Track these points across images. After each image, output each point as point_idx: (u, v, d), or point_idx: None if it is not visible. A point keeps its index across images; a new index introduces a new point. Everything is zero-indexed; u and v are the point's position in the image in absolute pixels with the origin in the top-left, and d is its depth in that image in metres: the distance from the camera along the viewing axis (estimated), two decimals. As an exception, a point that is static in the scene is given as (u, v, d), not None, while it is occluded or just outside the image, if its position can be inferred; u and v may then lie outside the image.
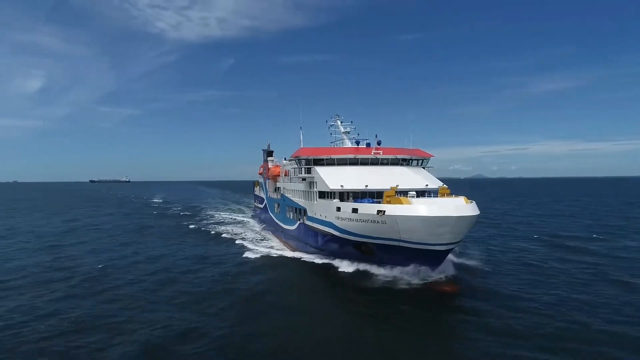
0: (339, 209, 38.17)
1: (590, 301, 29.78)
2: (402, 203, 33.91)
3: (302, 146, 53.34)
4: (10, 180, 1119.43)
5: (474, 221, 34.26)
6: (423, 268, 34.66)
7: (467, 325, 26.08)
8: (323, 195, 42.29)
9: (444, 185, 39.58)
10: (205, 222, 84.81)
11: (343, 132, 53.28)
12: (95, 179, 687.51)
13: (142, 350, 22.18)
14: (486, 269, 39.54)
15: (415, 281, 34.01)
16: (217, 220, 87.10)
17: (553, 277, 36.71)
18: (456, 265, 38.61)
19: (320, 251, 44.12)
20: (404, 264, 35.51)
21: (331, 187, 40.42)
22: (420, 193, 39.49)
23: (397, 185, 39.72)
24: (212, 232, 67.62)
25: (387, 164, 46.29)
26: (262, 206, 76.80)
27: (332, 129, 54.57)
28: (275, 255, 47.70)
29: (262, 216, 75.40)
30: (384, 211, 33.63)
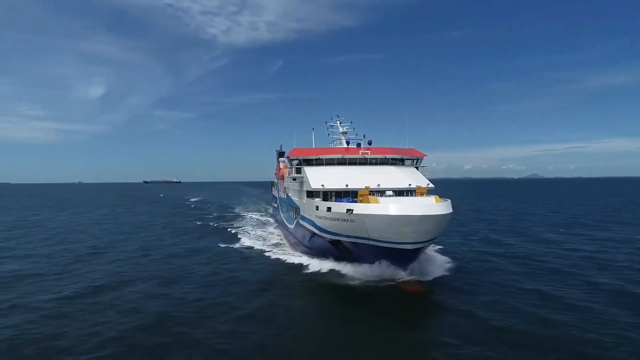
0: (317, 207, 39.12)
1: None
2: (370, 202, 34.30)
3: (313, 146, 54.74)
4: (76, 181, 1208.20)
5: (444, 220, 33.79)
6: (393, 267, 34.77)
7: (426, 325, 26.19)
8: (310, 194, 43.30)
9: (422, 185, 39.44)
10: (223, 220, 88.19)
11: (341, 133, 53.94)
12: (149, 180, 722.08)
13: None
14: (468, 269, 38.93)
15: (385, 280, 34.15)
16: (237, 219, 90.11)
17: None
18: (440, 266, 38.33)
19: (308, 249, 45.09)
20: (376, 262, 35.78)
21: (313, 187, 41.38)
22: (400, 192, 39.48)
23: (379, 185, 40.25)
24: (220, 229, 70.32)
25: (376, 163, 46.47)
26: (276, 206, 78.88)
27: (331, 129, 55.35)
28: (264, 254, 48.62)
29: (277, 216, 77.36)
30: (352, 210, 34.14)
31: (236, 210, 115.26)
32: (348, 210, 34.38)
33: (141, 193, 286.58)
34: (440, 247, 49.00)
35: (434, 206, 33.12)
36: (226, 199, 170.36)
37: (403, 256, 33.88)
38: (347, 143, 49.16)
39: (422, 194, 37.68)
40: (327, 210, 37.15)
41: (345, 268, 37.72)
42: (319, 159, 46.13)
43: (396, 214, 31.76)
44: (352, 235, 35.72)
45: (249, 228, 73.39)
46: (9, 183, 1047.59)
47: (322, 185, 40.97)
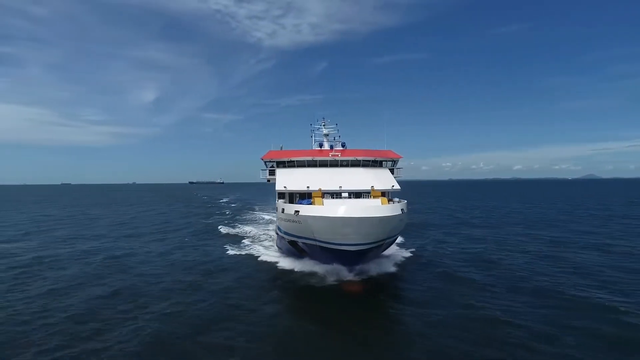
0: (276, 209, 40.49)
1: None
2: (315, 204, 35.10)
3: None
4: (130, 182, 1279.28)
5: (389, 222, 33.75)
6: (339, 267, 35.33)
7: (352, 324, 26.30)
8: (281, 196, 44.62)
9: (384, 187, 40.00)
10: (238, 219, 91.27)
11: (324, 134, 54.69)
12: (194, 181, 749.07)
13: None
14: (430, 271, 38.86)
15: (331, 280, 34.83)
16: (250, 220, 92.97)
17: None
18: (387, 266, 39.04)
19: (280, 249, 46.41)
20: (327, 262, 36.48)
21: (276, 188, 42.71)
22: (358, 194, 39.88)
23: (340, 186, 40.99)
24: (225, 231, 72.96)
25: (347, 165, 46.98)
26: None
27: (315, 132, 56.12)
28: (240, 252, 49.79)
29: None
30: (299, 211, 35.05)
31: (256, 209, 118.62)
32: (295, 211, 35.35)
33: (183, 193, 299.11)
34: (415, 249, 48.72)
35: (377, 208, 33.31)
36: (255, 199, 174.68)
37: (347, 258, 34.35)
38: (320, 145, 50.03)
39: (375, 197, 37.94)
40: (282, 212, 38.34)
41: (305, 267, 38.74)
42: (291, 161, 47.29)
43: (334, 216, 32.28)
44: (302, 236, 36.65)
45: (249, 228, 75.20)
46: (70, 184, 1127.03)
47: (285, 187, 42.16)
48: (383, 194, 41.73)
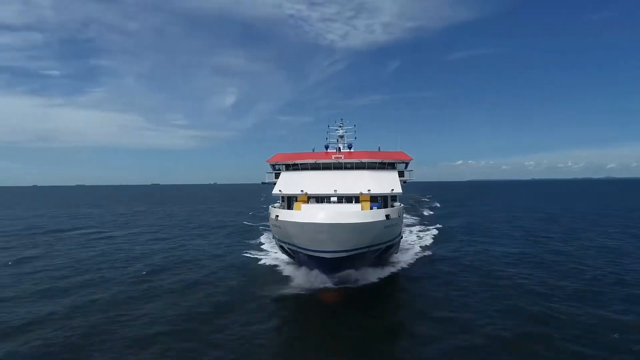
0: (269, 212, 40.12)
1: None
2: (297, 209, 34.22)
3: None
4: (211, 182, 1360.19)
5: (369, 229, 31.82)
6: (320, 274, 34.03)
7: (322, 333, 25.92)
8: (279, 199, 44.52)
9: (365, 192, 37.69)
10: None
11: (338, 136, 53.40)
12: (266, 181, 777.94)
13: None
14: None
15: (309, 286, 33.68)
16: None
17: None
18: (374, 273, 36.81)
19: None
20: (310, 268, 35.43)
21: (273, 192, 42.38)
22: (349, 199, 38.25)
23: (335, 190, 39.80)
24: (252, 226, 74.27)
25: (351, 168, 45.31)
26: None
27: (330, 133, 55.03)
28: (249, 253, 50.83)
29: None
30: (278, 216, 34.38)
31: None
32: (276, 216, 34.75)
33: (254, 192, 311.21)
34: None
35: (353, 214, 31.65)
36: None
37: (325, 264, 32.98)
38: (326, 147, 48.76)
39: (365, 201, 36.11)
40: (270, 215, 37.95)
41: (292, 272, 38.10)
42: (295, 164, 46.73)
43: (307, 221, 31.17)
44: (285, 241, 35.96)
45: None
46: (158, 184, 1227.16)
47: (280, 191, 41.71)
48: (376, 198, 39.68)
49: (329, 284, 33.26)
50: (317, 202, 38.21)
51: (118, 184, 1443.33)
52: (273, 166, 49.25)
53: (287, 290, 33.74)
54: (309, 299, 31.84)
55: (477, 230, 73.26)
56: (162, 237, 68.97)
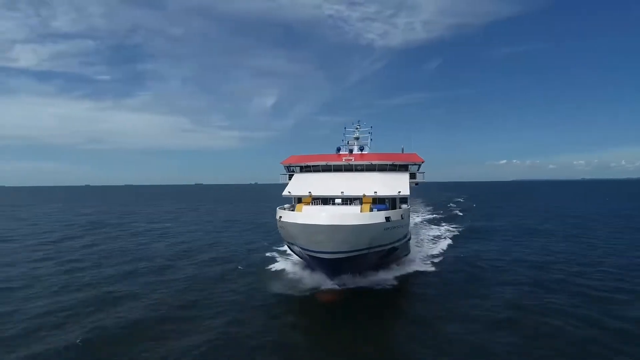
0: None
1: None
2: (299, 210, 35.12)
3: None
4: (252, 182, 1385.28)
5: (365, 231, 32.13)
6: (322, 275, 34.78)
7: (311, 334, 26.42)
8: (289, 200, 45.61)
9: (368, 194, 38.00)
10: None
11: (354, 138, 53.81)
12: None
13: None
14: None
15: (313, 286, 34.45)
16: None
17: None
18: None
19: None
20: (313, 268, 36.28)
21: (283, 194, 43.47)
22: (353, 200, 38.63)
23: (342, 192, 40.38)
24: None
25: (361, 170, 45.59)
26: None
27: (346, 135, 55.46)
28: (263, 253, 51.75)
29: None
30: (282, 217, 35.39)
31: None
32: (280, 217, 35.77)
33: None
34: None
35: (350, 216, 32.04)
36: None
37: (326, 265, 33.66)
38: (338, 150, 49.20)
39: (367, 203, 36.44)
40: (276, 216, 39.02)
41: (301, 273, 38.99)
42: (307, 166, 47.59)
43: (304, 223, 31.98)
44: (289, 242, 36.90)
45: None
46: (202, 184, 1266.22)
47: (289, 192, 42.73)
48: (384, 200, 39.83)
49: (330, 285, 33.94)
50: (323, 203, 38.87)
51: (163, 183, 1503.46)
52: (287, 168, 50.30)
53: (290, 291, 34.55)
54: (308, 299, 32.54)
55: (501, 232, 71.31)
56: (193, 234, 71.79)
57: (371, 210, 34.91)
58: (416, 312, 30.33)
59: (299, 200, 43.22)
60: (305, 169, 47.90)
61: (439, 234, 68.94)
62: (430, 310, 30.07)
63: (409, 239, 43.39)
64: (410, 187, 46.46)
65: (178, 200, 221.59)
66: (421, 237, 63.95)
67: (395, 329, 27.56)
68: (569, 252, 50.99)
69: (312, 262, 35.19)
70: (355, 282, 34.84)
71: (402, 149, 52.71)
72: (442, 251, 51.95)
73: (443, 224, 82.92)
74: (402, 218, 36.78)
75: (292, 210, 36.97)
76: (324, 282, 34.32)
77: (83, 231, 79.21)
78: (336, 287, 33.68)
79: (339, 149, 49.38)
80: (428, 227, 78.07)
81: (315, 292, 33.52)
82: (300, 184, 43.93)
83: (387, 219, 33.83)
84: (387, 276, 37.49)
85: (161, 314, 29.53)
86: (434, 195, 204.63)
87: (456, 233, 69.65)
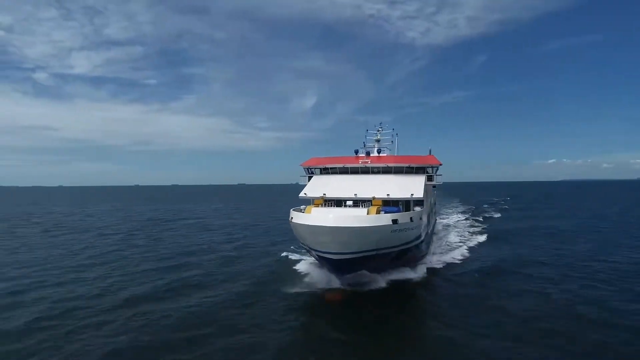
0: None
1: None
2: (308, 212, 36.35)
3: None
4: (293, 182, 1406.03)
5: (371, 233, 32.69)
6: (332, 275, 35.86)
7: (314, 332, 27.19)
8: (306, 202, 46.89)
9: (378, 197, 38.62)
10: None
11: (375, 140, 54.39)
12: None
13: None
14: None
15: (322, 285, 35.58)
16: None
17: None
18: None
19: None
20: (322, 268, 37.49)
21: (299, 195, 44.88)
22: (364, 203, 39.35)
23: (356, 194, 41.36)
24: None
25: (378, 172, 46.14)
26: None
27: (368, 138, 55.97)
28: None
29: None
30: (292, 218, 36.72)
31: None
32: (291, 218, 37.15)
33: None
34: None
35: (355, 218, 32.74)
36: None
37: (333, 265, 34.62)
38: (356, 152, 49.77)
39: (376, 205, 37.07)
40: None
41: (312, 272, 40.27)
42: (326, 168, 48.73)
43: (311, 224, 33.04)
44: (301, 242, 38.19)
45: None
46: (244, 184, 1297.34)
47: (305, 194, 44.05)
48: (397, 202, 40.28)
49: (337, 284, 34.95)
50: (336, 205, 39.81)
51: (207, 183, 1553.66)
52: (307, 170, 51.54)
53: (298, 289, 35.77)
54: (314, 298, 33.65)
55: (531, 237, 69.17)
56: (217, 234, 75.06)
57: (379, 212, 35.55)
58: (435, 311, 30.93)
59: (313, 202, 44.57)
60: (324, 171, 49.06)
61: (465, 235, 68.02)
62: (439, 313, 30.34)
63: (423, 241, 43.50)
64: (428, 190, 46.53)
65: (232, 200, 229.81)
66: (449, 239, 63.52)
67: (404, 329, 27.81)
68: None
69: (320, 262, 36.40)
70: (364, 283, 35.59)
71: (430, 150, 52.68)
72: (464, 253, 51.42)
73: (472, 226, 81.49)
74: (411, 220, 37.07)
75: (301, 212, 38.31)
76: (332, 282, 35.40)
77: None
78: (341, 287, 34.64)
79: (356, 152, 50.02)
80: (456, 228, 77.15)
81: (321, 291, 34.61)
82: (316, 186, 45.17)
83: (394, 221, 34.33)
84: (397, 277, 37.98)
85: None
86: (471, 196, 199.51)
87: (483, 235, 68.29)
